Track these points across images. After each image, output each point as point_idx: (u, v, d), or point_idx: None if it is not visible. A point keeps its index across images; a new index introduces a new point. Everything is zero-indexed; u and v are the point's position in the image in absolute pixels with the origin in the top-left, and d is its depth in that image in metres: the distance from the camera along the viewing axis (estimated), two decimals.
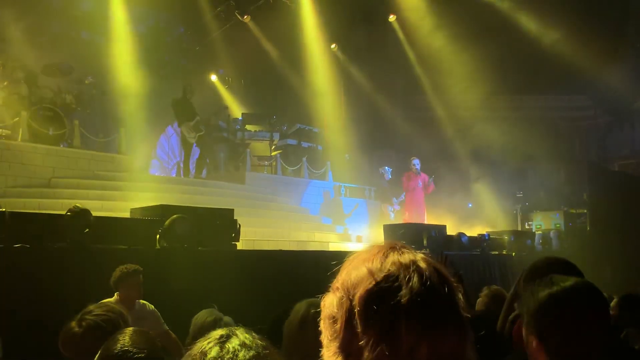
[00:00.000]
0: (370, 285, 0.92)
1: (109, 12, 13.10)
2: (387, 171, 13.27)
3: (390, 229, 9.45)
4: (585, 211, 13.16)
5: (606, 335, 1.53)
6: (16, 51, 11.87)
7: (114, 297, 4.32)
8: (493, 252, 10.33)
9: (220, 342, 1.28)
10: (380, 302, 0.90)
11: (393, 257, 0.95)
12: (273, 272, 6.54)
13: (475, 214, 14.36)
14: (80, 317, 2.42)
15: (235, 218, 6.75)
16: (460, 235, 9.78)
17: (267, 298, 5.90)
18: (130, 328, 2.17)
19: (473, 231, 11.16)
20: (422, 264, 0.94)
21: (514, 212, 14.45)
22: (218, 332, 1.32)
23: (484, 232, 10.70)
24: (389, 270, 0.93)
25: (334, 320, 0.95)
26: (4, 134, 10.00)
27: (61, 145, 10.58)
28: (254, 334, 1.35)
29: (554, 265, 2.03)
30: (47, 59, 12.11)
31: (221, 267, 6.05)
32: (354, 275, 0.95)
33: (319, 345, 1.03)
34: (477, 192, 15.06)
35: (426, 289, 0.91)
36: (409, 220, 11.70)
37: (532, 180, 14.78)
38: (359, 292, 0.92)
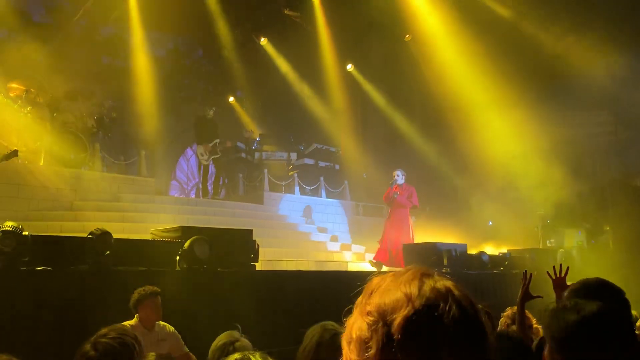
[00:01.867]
0: (410, 312, 0.91)
1: (128, 37, 13.36)
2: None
3: (409, 249, 9.38)
4: (608, 228, 12.95)
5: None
6: (39, 77, 12.13)
7: (134, 320, 4.34)
8: (515, 271, 10.19)
9: None
10: (422, 330, 0.90)
11: (429, 283, 0.95)
12: (292, 292, 6.52)
13: (496, 232, 14.20)
14: (94, 340, 2.44)
15: (254, 238, 6.76)
16: (481, 254, 9.67)
17: (287, 318, 5.89)
18: (153, 353, 2.18)
19: (494, 250, 11.04)
20: (457, 293, 0.95)
21: (535, 230, 14.26)
22: (234, 356, 1.33)
23: (505, 251, 10.56)
24: (428, 298, 0.92)
25: (366, 345, 0.94)
26: (27, 158, 10.18)
27: (83, 169, 10.74)
28: (269, 358, 1.36)
29: (601, 287, 1.99)
30: (68, 84, 12.36)
31: (241, 288, 6.05)
32: (389, 300, 0.94)
33: None
34: (498, 210, 14.91)
35: (465, 319, 0.92)
36: (388, 238, 10.57)
37: (553, 197, 14.59)
38: (398, 318, 0.91)
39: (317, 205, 13.46)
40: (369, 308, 0.96)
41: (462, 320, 0.91)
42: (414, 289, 0.94)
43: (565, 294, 1.81)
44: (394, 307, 0.93)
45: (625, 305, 1.56)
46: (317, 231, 12.25)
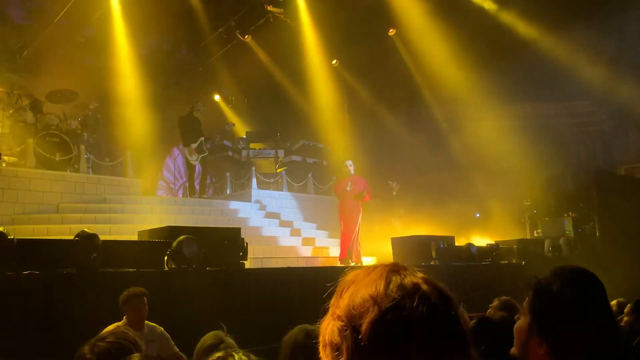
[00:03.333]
0: (377, 316, 0.89)
1: (111, 37, 13.24)
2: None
3: (398, 242, 9.42)
4: (594, 217, 13.09)
5: (614, 330, 1.51)
6: (21, 79, 12.01)
7: (122, 320, 4.33)
8: (503, 262, 10.27)
9: None
10: (389, 332, 0.88)
11: (395, 280, 0.93)
12: (282, 290, 6.53)
13: (484, 224, 14.30)
14: (93, 343, 2.43)
15: (242, 237, 6.76)
16: (469, 245, 9.74)
17: (277, 316, 5.90)
18: (137, 354, 2.17)
19: (482, 241, 11.11)
20: (425, 287, 0.93)
21: (522, 220, 14.37)
22: (216, 355, 1.34)
23: (493, 242, 10.65)
24: (394, 298, 0.90)
25: (337, 350, 0.92)
26: (11, 162, 10.09)
27: (68, 171, 10.66)
28: (252, 356, 1.37)
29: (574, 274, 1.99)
30: (51, 85, 12.25)
31: (230, 287, 6.05)
32: (357, 303, 0.92)
33: None
34: (485, 202, 15.01)
35: (434, 315, 0.90)
36: (345, 231, 9.98)
37: (540, 187, 14.70)
38: (365, 322, 0.89)
39: (306, 201, 13.47)
40: (338, 312, 0.95)
41: (431, 318, 0.89)
42: (380, 289, 0.92)
43: None
44: (361, 312, 0.91)
45: (599, 289, 1.57)
46: (306, 227, 12.23)
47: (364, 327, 0.89)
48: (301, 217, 12.86)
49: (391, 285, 0.92)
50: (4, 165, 9.48)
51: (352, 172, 10.31)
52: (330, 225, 11.94)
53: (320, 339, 0.98)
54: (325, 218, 12.65)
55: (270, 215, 12.22)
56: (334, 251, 10.64)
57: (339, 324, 0.93)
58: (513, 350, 1.61)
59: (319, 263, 9.95)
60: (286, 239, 10.91)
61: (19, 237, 5.35)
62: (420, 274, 0.96)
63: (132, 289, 4.50)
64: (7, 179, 9.35)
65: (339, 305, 0.95)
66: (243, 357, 1.34)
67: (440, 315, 0.91)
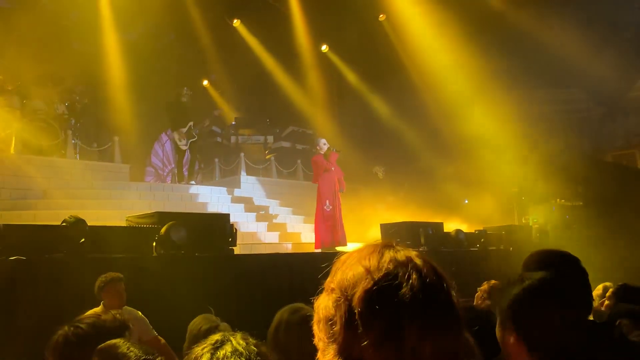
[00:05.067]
0: (369, 285, 0.90)
1: (98, 21, 13.07)
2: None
3: (386, 228, 9.44)
4: (581, 203, 13.19)
5: (584, 324, 1.52)
6: (6, 63, 11.83)
7: (99, 307, 4.31)
8: (491, 248, 10.34)
9: (214, 348, 1.29)
10: (381, 301, 0.89)
11: (389, 254, 0.94)
12: (272, 276, 6.53)
13: (472, 210, 14.37)
14: (68, 327, 2.41)
15: (231, 222, 6.74)
16: (458, 232, 9.78)
17: (266, 302, 5.89)
18: (120, 339, 2.16)
19: (470, 227, 11.17)
20: (418, 261, 0.94)
21: (510, 207, 14.46)
22: (214, 338, 1.33)
23: (482, 228, 10.71)
24: (387, 268, 0.91)
25: (331, 322, 0.94)
26: None
27: (55, 157, 10.56)
28: (250, 339, 1.35)
29: (554, 257, 2.00)
30: (37, 70, 12.07)
31: (219, 273, 6.04)
32: (350, 275, 0.93)
33: (296, 348, 1.02)
34: (473, 189, 15.07)
35: (426, 287, 0.91)
36: (332, 212, 9.36)
37: (527, 174, 14.78)
38: (358, 292, 0.90)
39: (295, 187, 13.46)
40: (332, 285, 0.96)
41: (422, 288, 0.90)
42: (373, 262, 0.93)
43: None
44: (354, 282, 0.92)
45: (579, 272, 1.58)
46: (295, 213, 12.23)
47: (356, 295, 0.90)
48: (292, 205, 12.84)
49: (384, 258, 0.94)
50: None
51: (324, 149, 9.60)
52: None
53: (315, 316, 0.99)
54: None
55: (256, 202, 12.19)
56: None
57: (333, 296, 0.95)
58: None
59: (309, 249, 9.93)
60: (270, 232, 10.88)
61: (5, 222, 5.30)
62: (413, 252, 0.97)
63: (108, 275, 4.47)
64: None
65: (333, 280, 0.97)
66: (241, 341, 1.32)
67: (432, 286, 0.92)
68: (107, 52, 13.34)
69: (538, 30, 14.15)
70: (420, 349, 0.88)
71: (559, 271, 1.56)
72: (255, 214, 11.25)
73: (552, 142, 16.25)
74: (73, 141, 11.12)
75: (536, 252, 1.85)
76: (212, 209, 10.64)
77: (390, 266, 0.92)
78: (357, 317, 0.89)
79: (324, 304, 0.97)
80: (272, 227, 10.78)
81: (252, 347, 1.32)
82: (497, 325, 1.58)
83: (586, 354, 1.45)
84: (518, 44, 14.61)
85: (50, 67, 12.39)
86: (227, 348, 1.29)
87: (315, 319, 0.99)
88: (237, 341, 1.32)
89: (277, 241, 10.15)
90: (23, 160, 9.78)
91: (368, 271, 0.92)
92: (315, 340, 0.99)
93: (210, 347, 1.30)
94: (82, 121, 12.19)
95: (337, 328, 0.92)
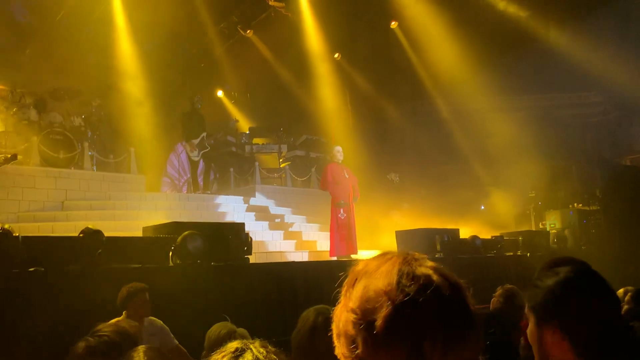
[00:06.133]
0: (391, 312, 0.91)
1: (113, 34, 13.24)
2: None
3: (402, 235, 9.40)
4: (599, 208, 13.04)
5: (620, 316, 1.50)
6: (24, 77, 12.02)
7: (122, 317, 4.33)
8: (508, 254, 10.25)
9: (234, 357, 1.29)
10: (404, 326, 0.90)
11: (408, 273, 0.94)
12: (287, 284, 6.53)
13: (488, 216, 14.27)
14: (88, 337, 2.43)
15: (246, 231, 6.76)
16: (474, 238, 9.71)
17: (282, 310, 5.90)
18: (143, 346, 2.18)
19: (487, 233, 11.08)
20: (437, 278, 0.94)
21: (527, 212, 14.34)
22: (234, 345, 1.33)
23: (498, 234, 10.62)
24: (407, 293, 0.92)
25: (352, 341, 0.95)
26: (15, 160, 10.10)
27: (72, 168, 10.68)
28: (269, 347, 1.35)
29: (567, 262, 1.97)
30: (54, 83, 12.26)
31: (235, 282, 6.05)
32: (370, 297, 0.94)
33: (330, 353, 1.03)
34: (489, 194, 14.98)
35: (446, 306, 0.92)
36: (347, 220, 9.37)
37: (544, 179, 14.65)
38: (379, 318, 0.91)
39: (310, 196, 13.46)
40: (351, 305, 0.96)
41: (444, 308, 0.91)
42: (391, 280, 0.94)
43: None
44: (375, 307, 0.92)
45: (588, 274, 1.56)
46: (310, 222, 12.23)
47: (378, 322, 0.91)
48: (306, 213, 12.84)
49: (403, 278, 0.93)
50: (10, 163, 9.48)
51: (341, 160, 9.80)
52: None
53: (334, 327, 1.00)
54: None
55: (274, 210, 12.21)
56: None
57: (352, 316, 0.95)
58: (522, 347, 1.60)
59: (324, 257, 9.91)
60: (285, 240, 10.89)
61: (24, 234, 5.36)
62: (430, 263, 0.97)
63: (134, 285, 4.49)
64: (12, 177, 9.38)
65: (352, 297, 0.97)
66: (261, 349, 1.32)
67: (453, 307, 0.93)
68: (122, 64, 13.50)
69: (554, 34, 14.07)
70: None
71: (583, 270, 1.54)
72: (270, 222, 11.27)
73: (569, 145, 16.10)
74: (90, 153, 11.24)
75: (552, 259, 1.84)
76: (228, 218, 10.68)
77: (411, 289, 0.92)
78: (379, 341, 0.91)
79: (344, 319, 0.97)
80: (287, 236, 10.79)
81: (272, 355, 1.32)
82: (530, 330, 1.55)
83: (625, 349, 1.43)
84: (533, 48, 14.53)
85: (67, 80, 12.57)
86: (248, 357, 1.29)
87: (335, 329, 1.00)
88: (258, 349, 1.32)
89: (292, 250, 10.16)
90: (41, 172, 9.90)
91: (388, 296, 0.92)
92: (337, 352, 1.00)
93: (231, 355, 1.30)
94: (99, 133, 12.31)
95: (359, 351, 0.93)
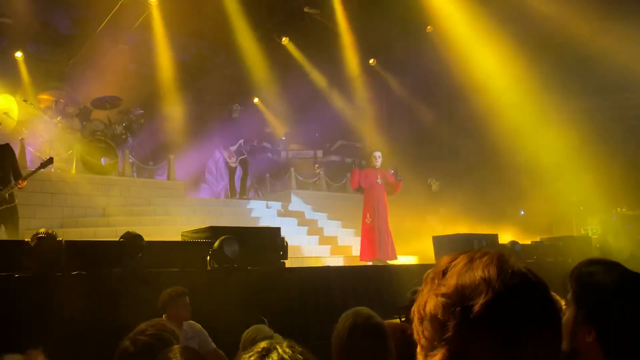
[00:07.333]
0: (491, 296, 0.92)
1: (152, 44, 13.55)
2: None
3: (439, 240, 9.31)
4: None
5: None
6: (67, 88, 12.41)
7: (163, 319, 4.41)
8: (548, 260, 10.04)
9: (260, 356, 1.32)
10: (503, 316, 0.92)
11: (507, 267, 0.96)
12: (323, 289, 6.54)
13: (528, 221, 14.00)
14: (133, 337, 2.49)
15: (282, 236, 6.81)
16: (513, 243, 9.54)
17: (318, 314, 5.91)
18: (179, 345, 2.22)
19: (526, 239, 10.88)
20: (532, 277, 0.98)
21: (568, 217, 14.02)
22: (261, 345, 1.35)
23: (538, 240, 10.42)
24: (508, 283, 0.94)
25: (442, 326, 0.96)
26: (59, 167, 10.42)
27: (113, 175, 10.95)
28: (296, 347, 1.37)
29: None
30: (96, 92, 12.61)
31: (271, 286, 6.10)
32: (467, 283, 0.95)
33: (371, 354, 1.04)
34: (529, 199, 14.69)
35: (542, 304, 0.95)
36: (372, 225, 9.44)
37: (586, 183, 14.30)
38: (478, 302, 0.92)
39: (345, 201, 13.46)
40: (444, 289, 0.97)
41: (540, 304, 0.94)
42: (492, 273, 0.95)
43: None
44: (472, 292, 0.94)
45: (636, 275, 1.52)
46: (345, 227, 12.22)
47: (476, 307, 0.92)
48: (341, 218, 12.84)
49: (504, 271, 0.96)
50: (52, 170, 9.79)
51: (379, 165, 9.87)
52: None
53: (417, 311, 1.01)
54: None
55: (310, 216, 12.25)
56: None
57: (444, 300, 0.96)
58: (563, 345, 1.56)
59: (359, 262, 9.89)
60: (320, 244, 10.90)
61: (67, 239, 5.52)
62: (524, 265, 1.00)
63: (175, 288, 4.58)
64: (56, 184, 9.68)
65: (444, 283, 0.98)
66: (287, 350, 1.35)
67: (547, 305, 0.96)
68: (161, 73, 13.80)
69: (592, 36, 13.73)
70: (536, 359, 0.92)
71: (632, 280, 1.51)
72: (306, 227, 11.31)
73: (610, 148, 15.68)
74: (131, 160, 11.51)
75: (598, 258, 1.80)
76: (264, 223, 10.77)
77: (512, 281, 0.94)
78: (475, 326, 0.92)
79: (432, 304, 0.98)
80: (322, 241, 10.81)
81: (298, 355, 1.34)
82: (565, 320, 1.52)
83: None
84: (571, 51, 14.20)
85: (108, 90, 12.91)
86: (274, 356, 1.31)
87: (419, 315, 1.01)
88: (283, 349, 1.34)
89: (328, 254, 10.17)
90: (84, 179, 10.18)
91: (489, 283, 0.94)
92: (416, 336, 1.01)
93: (257, 354, 1.33)
94: (139, 140, 12.62)
95: (449, 334, 0.94)
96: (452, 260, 1.01)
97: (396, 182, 9.86)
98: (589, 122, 16.19)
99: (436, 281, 1.00)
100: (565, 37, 13.81)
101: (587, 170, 14.16)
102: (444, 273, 1.00)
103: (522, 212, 15.17)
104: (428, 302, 0.99)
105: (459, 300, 0.94)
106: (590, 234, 12.35)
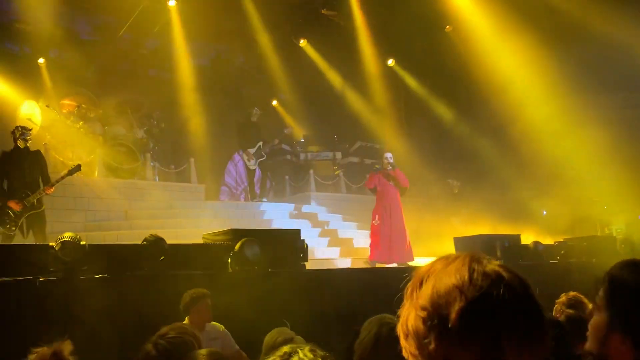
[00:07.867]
0: (464, 304, 0.91)
1: (172, 49, 13.67)
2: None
3: (460, 241, 9.24)
4: None
5: None
6: (89, 93, 12.57)
7: (185, 321, 4.44)
8: (572, 260, 9.89)
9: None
10: (478, 321, 0.90)
11: (478, 269, 0.94)
12: (344, 291, 6.53)
13: (551, 221, 13.82)
14: (155, 340, 2.51)
15: (302, 238, 6.81)
16: (536, 244, 9.43)
17: (338, 316, 5.90)
18: (204, 350, 2.23)
19: (549, 239, 10.75)
20: (507, 275, 0.95)
21: (592, 217, 13.80)
22: (283, 349, 1.35)
23: (562, 240, 10.28)
24: (480, 286, 0.92)
25: (425, 340, 0.94)
26: (82, 172, 10.55)
27: (135, 179, 11.06)
28: (318, 351, 1.37)
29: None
30: (117, 97, 12.75)
31: (292, 288, 6.09)
32: (442, 291, 0.94)
33: None
34: (552, 199, 14.49)
35: (518, 301, 0.92)
36: (381, 227, 9.48)
37: (609, 183, 14.07)
38: (453, 311, 0.91)
39: (365, 202, 13.42)
40: (421, 302, 0.96)
41: (516, 304, 0.91)
42: (464, 278, 0.93)
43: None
44: (447, 300, 0.92)
45: None
46: (365, 229, 12.18)
47: (452, 316, 0.91)
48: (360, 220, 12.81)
49: (475, 274, 0.94)
50: (75, 175, 9.92)
51: (394, 165, 9.93)
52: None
53: (401, 328, 1.00)
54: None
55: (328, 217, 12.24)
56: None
57: (422, 313, 0.95)
58: (587, 346, 1.52)
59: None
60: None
61: (90, 242, 5.59)
62: (497, 262, 0.98)
63: (197, 291, 4.60)
64: (79, 188, 9.80)
65: (421, 295, 0.97)
66: (308, 354, 1.34)
67: (524, 303, 0.94)
68: (181, 78, 13.90)
69: (617, 30, 13.48)
70: None
71: None
72: (321, 229, 11.33)
73: (634, 146, 15.40)
74: (152, 164, 11.63)
75: (631, 259, 1.74)
76: (283, 225, 10.79)
77: (483, 283, 0.92)
78: (454, 336, 0.90)
79: (412, 318, 0.97)
80: (337, 243, 10.84)
81: (319, 359, 1.33)
82: (596, 323, 1.47)
83: None
84: (596, 46, 13.97)
85: (129, 94, 13.05)
86: (295, 359, 1.31)
87: (403, 331, 0.99)
88: (305, 353, 1.34)
89: (342, 256, 10.20)
90: (106, 183, 10.30)
91: (460, 290, 0.92)
92: (405, 354, 0.99)
93: (279, 358, 1.33)
94: (160, 144, 12.74)
95: (432, 347, 0.92)
96: (428, 269, 0.99)
97: (393, 173, 9.76)
98: (615, 120, 15.94)
99: (414, 294, 0.98)
100: (589, 32, 13.57)
101: (612, 168, 13.93)
102: (421, 284, 0.98)
103: (545, 213, 14.98)
104: (409, 317, 0.97)
105: (435, 311, 0.93)
106: (614, 234, 12.14)
